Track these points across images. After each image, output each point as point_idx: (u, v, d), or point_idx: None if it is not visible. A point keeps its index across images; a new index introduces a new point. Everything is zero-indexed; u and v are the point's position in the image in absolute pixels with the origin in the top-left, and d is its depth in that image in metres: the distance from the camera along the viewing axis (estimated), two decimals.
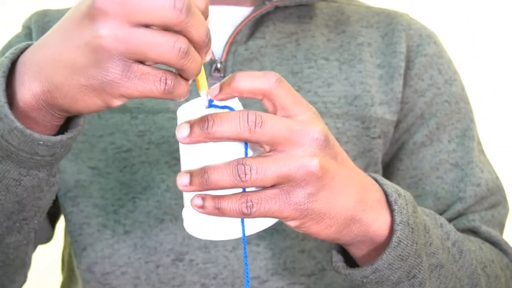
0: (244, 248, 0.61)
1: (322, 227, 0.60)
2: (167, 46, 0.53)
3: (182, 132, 0.57)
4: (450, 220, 0.84)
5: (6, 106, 0.58)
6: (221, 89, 0.59)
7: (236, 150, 0.58)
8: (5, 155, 0.61)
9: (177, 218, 0.79)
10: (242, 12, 0.87)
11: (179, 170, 0.79)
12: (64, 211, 0.85)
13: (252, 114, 0.56)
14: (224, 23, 0.86)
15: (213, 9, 0.87)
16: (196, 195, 0.58)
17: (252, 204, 0.57)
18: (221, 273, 0.78)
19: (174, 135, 0.81)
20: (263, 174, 0.56)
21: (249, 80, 0.58)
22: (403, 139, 0.87)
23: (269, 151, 0.58)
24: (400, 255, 0.65)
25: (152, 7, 0.52)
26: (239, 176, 0.56)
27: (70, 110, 0.58)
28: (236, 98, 0.60)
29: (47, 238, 0.90)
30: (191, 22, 0.53)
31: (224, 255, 0.78)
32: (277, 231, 0.80)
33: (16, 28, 0.93)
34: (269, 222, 0.60)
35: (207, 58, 0.58)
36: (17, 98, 0.59)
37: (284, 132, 0.57)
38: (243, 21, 0.84)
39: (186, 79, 0.57)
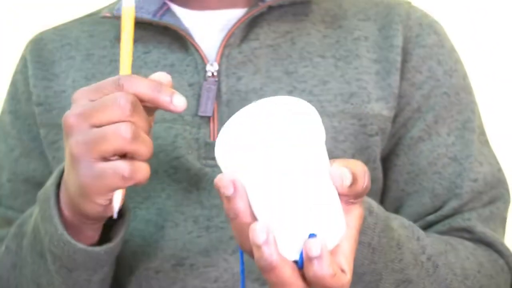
0: (241, 257, 0.63)
1: None
2: (115, 136, 0.61)
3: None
4: (445, 218, 0.84)
5: (65, 234, 0.68)
6: None
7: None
8: (75, 267, 0.71)
9: (178, 225, 0.80)
10: (235, 15, 0.87)
11: (178, 179, 0.80)
12: None
13: None
14: (217, 26, 0.86)
15: (206, 13, 0.87)
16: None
17: None
18: (222, 276, 0.78)
19: (171, 144, 0.81)
20: None
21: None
22: (400, 134, 0.86)
23: None
24: (354, 271, 0.65)
25: (100, 111, 0.62)
26: None
27: (88, 217, 0.68)
28: None
29: None
30: (135, 117, 0.62)
31: (224, 258, 0.79)
32: None
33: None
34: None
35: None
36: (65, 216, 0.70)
37: None
38: (235, 24, 0.84)
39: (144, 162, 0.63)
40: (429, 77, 0.86)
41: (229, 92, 0.82)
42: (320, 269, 0.55)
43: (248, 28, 0.85)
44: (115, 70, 0.86)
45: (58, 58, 0.90)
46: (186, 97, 0.82)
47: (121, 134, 0.61)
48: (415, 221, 0.85)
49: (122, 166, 0.62)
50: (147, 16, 0.84)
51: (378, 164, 0.85)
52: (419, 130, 0.85)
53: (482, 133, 0.89)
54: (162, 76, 0.67)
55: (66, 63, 0.89)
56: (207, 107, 0.81)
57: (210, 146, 0.80)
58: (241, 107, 0.75)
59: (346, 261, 0.58)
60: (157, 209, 0.81)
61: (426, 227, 0.84)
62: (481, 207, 0.84)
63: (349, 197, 0.59)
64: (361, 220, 0.61)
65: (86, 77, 0.87)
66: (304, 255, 0.56)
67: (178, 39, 0.86)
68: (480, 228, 0.82)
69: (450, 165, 0.84)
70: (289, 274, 0.57)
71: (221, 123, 0.80)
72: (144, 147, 0.62)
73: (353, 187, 0.58)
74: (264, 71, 0.83)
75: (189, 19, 0.87)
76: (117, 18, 0.85)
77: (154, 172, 0.81)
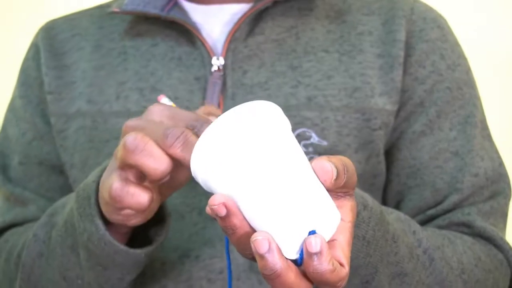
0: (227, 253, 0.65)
1: None
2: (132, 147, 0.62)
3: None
4: (446, 212, 0.85)
5: (107, 234, 0.69)
6: None
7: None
8: (111, 266, 0.72)
9: (184, 217, 0.81)
10: (241, 9, 0.88)
11: None
12: None
13: None
14: (223, 20, 0.87)
15: (213, 7, 0.88)
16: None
17: None
18: (227, 267, 0.80)
19: None
20: None
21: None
22: (402, 128, 0.87)
23: None
24: (350, 265, 0.66)
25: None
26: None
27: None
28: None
29: None
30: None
31: (230, 249, 0.80)
32: None
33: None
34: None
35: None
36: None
37: None
38: (241, 18, 0.85)
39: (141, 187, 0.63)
40: (432, 71, 0.87)
41: (234, 86, 0.83)
42: (320, 265, 0.56)
43: (253, 22, 0.86)
44: (123, 62, 0.88)
45: (68, 49, 0.91)
46: (192, 90, 0.84)
47: (132, 146, 0.61)
48: (416, 214, 0.86)
49: (114, 183, 0.63)
50: (154, 11, 0.86)
51: (382, 158, 0.86)
52: (422, 124, 0.86)
53: (485, 127, 0.89)
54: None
55: (76, 54, 0.91)
56: (213, 101, 0.83)
57: None
58: (246, 101, 0.76)
59: (343, 254, 0.59)
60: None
61: (426, 221, 0.85)
62: (482, 202, 0.85)
63: (336, 191, 0.60)
64: (355, 212, 0.61)
65: (95, 68, 0.89)
66: (304, 251, 0.57)
67: (185, 33, 0.87)
68: (480, 222, 0.83)
69: (451, 159, 0.85)
70: (293, 278, 0.57)
71: None
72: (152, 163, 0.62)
73: (337, 181, 0.59)
74: (269, 65, 0.84)
75: (196, 14, 0.88)
76: (126, 13, 0.86)
77: None
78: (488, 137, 0.89)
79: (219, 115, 0.66)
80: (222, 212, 0.57)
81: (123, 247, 0.70)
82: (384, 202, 0.89)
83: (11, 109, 0.95)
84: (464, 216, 0.83)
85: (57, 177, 0.91)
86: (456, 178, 0.84)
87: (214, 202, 0.57)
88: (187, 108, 0.83)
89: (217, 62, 0.84)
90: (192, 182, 0.81)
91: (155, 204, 0.68)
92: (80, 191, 0.72)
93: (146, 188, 0.64)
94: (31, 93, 0.92)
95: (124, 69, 0.87)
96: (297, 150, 0.58)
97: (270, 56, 0.85)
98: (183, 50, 0.86)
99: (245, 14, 0.85)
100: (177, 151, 0.61)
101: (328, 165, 0.57)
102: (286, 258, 0.58)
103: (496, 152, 0.89)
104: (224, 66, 0.84)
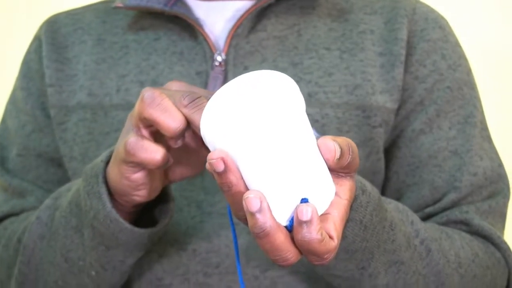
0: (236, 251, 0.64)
1: None
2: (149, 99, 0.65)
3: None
4: (444, 210, 0.85)
5: (114, 211, 0.70)
6: None
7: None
8: (114, 245, 0.73)
9: (182, 210, 0.82)
10: (244, 6, 0.88)
11: None
12: None
13: None
14: (226, 16, 0.88)
15: (216, 3, 0.88)
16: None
17: None
18: (223, 262, 0.80)
19: None
20: None
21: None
22: (402, 126, 0.87)
23: None
24: (345, 248, 0.68)
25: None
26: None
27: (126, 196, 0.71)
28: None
29: None
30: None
31: (226, 244, 0.80)
32: None
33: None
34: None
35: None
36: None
37: None
38: (243, 14, 0.85)
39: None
40: (433, 71, 0.87)
41: None
42: (309, 233, 0.57)
43: (256, 19, 0.87)
44: (125, 55, 0.88)
45: (70, 43, 0.92)
46: (194, 85, 0.84)
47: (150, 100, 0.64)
48: (414, 212, 0.86)
49: (130, 138, 0.65)
50: (158, 6, 0.86)
51: (381, 155, 0.86)
52: (421, 123, 0.86)
53: (484, 128, 0.89)
54: None
55: (78, 48, 0.91)
56: None
57: None
58: None
59: (334, 228, 0.60)
60: None
61: (424, 219, 0.85)
62: (480, 201, 0.85)
63: (338, 171, 0.61)
64: (353, 192, 0.62)
65: (96, 61, 0.89)
66: (294, 218, 0.57)
67: (188, 28, 0.87)
68: (478, 221, 0.83)
69: (450, 158, 0.85)
70: (282, 240, 0.58)
71: None
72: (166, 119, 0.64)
73: (341, 161, 0.60)
74: (270, 62, 0.85)
75: (199, 9, 0.89)
76: (129, 8, 0.87)
77: None
78: (487, 138, 0.89)
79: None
80: (220, 166, 0.57)
81: (128, 225, 0.71)
82: None
83: (12, 101, 0.95)
84: (462, 214, 0.83)
85: (56, 170, 0.91)
86: (455, 177, 0.85)
87: (213, 156, 0.57)
88: None
89: (219, 57, 0.84)
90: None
91: (158, 183, 0.70)
92: (88, 170, 0.73)
93: (160, 145, 0.65)
94: (32, 86, 0.92)
95: (125, 63, 0.88)
96: (303, 122, 0.59)
97: (272, 53, 0.85)
98: (185, 44, 0.87)
99: (247, 10, 0.85)
100: (190, 111, 0.64)
101: (331, 144, 0.59)
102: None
103: (496, 153, 0.89)
104: (226, 61, 0.84)
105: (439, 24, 0.90)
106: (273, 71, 0.59)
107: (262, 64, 0.84)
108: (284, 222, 0.59)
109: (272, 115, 0.57)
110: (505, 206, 0.87)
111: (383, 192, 0.89)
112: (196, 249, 0.81)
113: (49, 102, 0.90)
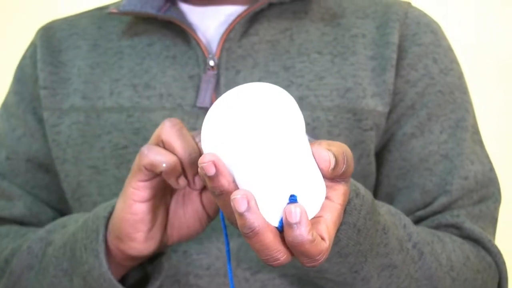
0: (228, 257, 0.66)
1: None
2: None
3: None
4: (435, 213, 0.85)
5: (109, 273, 0.71)
6: None
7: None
8: None
9: None
10: (237, 10, 0.89)
11: None
12: (74, 213, 0.89)
13: None
14: (219, 21, 0.88)
15: (209, 9, 0.89)
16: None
17: None
18: (214, 264, 0.80)
19: None
20: None
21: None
22: (393, 130, 0.87)
23: None
24: (338, 252, 0.68)
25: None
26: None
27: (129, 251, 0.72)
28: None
29: None
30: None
31: (217, 247, 0.80)
32: None
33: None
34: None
35: None
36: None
37: None
38: (236, 19, 0.86)
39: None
40: (424, 75, 0.88)
41: (227, 85, 0.84)
42: (299, 234, 0.56)
43: (248, 23, 0.87)
44: (119, 60, 0.89)
45: (65, 47, 0.93)
46: (186, 88, 0.85)
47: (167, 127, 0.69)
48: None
49: (147, 145, 0.68)
50: (151, 11, 0.87)
51: (372, 159, 0.86)
52: (412, 126, 0.86)
53: (476, 132, 0.89)
54: None
55: (73, 52, 0.92)
56: (205, 99, 0.83)
57: None
58: None
59: (327, 230, 0.59)
60: None
61: (415, 223, 0.85)
62: (471, 205, 0.85)
63: (332, 178, 0.61)
64: (346, 197, 0.62)
65: (91, 66, 0.90)
66: (283, 220, 0.57)
67: (181, 33, 0.88)
68: (469, 225, 0.83)
69: (441, 162, 0.85)
70: (272, 239, 0.58)
71: None
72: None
73: (335, 170, 0.60)
74: (262, 66, 0.85)
75: (192, 14, 0.90)
76: (123, 14, 0.88)
77: None
78: (479, 142, 0.89)
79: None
80: (211, 170, 0.57)
81: (121, 287, 0.73)
82: None
83: (4, 105, 0.96)
84: (453, 218, 0.83)
85: (44, 175, 0.92)
86: (446, 180, 0.85)
87: (204, 159, 0.58)
88: (179, 105, 0.84)
89: (211, 61, 0.85)
90: None
91: (157, 233, 0.71)
92: (89, 222, 0.74)
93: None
94: (25, 90, 0.93)
95: (119, 67, 0.88)
96: (295, 127, 0.59)
97: (264, 57, 0.86)
98: (179, 49, 0.87)
99: (240, 15, 0.86)
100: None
101: (326, 154, 0.59)
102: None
103: (487, 157, 0.89)
104: (218, 65, 0.85)
105: (431, 28, 0.90)
106: (271, 84, 0.60)
107: (254, 68, 0.85)
108: (275, 223, 0.59)
109: (265, 121, 0.58)
110: (496, 210, 0.87)
111: (374, 196, 0.89)
112: (187, 250, 0.81)
113: (42, 105, 0.90)
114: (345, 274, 0.71)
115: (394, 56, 0.86)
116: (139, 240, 0.70)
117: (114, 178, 0.85)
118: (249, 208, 0.57)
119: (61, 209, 0.93)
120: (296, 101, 0.83)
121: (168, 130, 0.67)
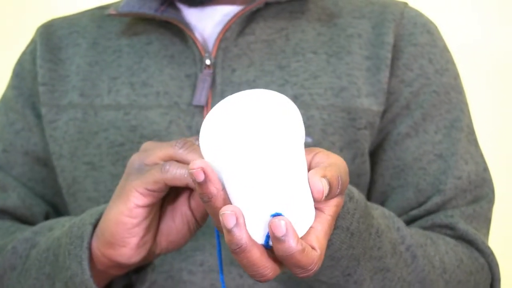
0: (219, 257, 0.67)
1: None
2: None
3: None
4: (429, 213, 0.85)
5: (91, 281, 0.71)
6: None
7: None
8: None
9: None
10: (233, 10, 0.90)
11: None
12: (68, 209, 0.89)
13: None
14: (215, 21, 0.89)
15: (206, 8, 0.90)
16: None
17: None
18: (208, 260, 0.81)
19: (165, 130, 0.84)
20: None
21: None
22: (387, 130, 0.88)
23: None
24: (331, 255, 0.68)
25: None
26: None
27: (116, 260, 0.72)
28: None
29: None
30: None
31: (211, 243, 0.81)
32: None
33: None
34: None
35: None
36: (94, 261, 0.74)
37: None
38: (232, 18, 0.87)
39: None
40: (420, 75, 0.88)
41: (223, 83, 0.85)
42: (288, 246, 0.57)
43: (244, 23, 0.88)
44: (117, 59, 0.90)
45: (65, 45, 0.94)
46: (183, 87, 0.86)
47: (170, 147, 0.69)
48: (399, 215, 0.86)
49: (165, 163, 0.67)
50: (149, 12, 0.88)
51: (366, 158, 0.86)
52: (407, 126, 0.87)
53: (471, 132, 0.89)
54: None
55: (72, 50, 0.93)
56: (201, 97, 0.84)
57: None
58: None
59: (317, 240, 0.59)
60: None
61: (409, 222, 0.85)
62: (465, 205, 0.85)
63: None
64: (338, 208, 0.62)
65: (89, 63, 0.91)
66: (270, 234, 0.57)
67: (179, 33, 0.89)
68: (462, 225, 0.83)
69: (435, 162, 0.86)
70: (258, 255, 0.58)
71: None
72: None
73: (328, 197, 0.60)
74: (258, 65, 0.86)
75: (190, 14, 0.91)
76: (121, 15, 0.89)
77: None
78: (474, 142, 0.89)
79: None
80: (200, 177, 0.58)
81: None
82: None
83: (3, 99, 0.97)
84: (447, 218, 0.83)
85: (41, 169, 0.93)
86: (439, 180, 0.85)
87: (193, 166, 0.58)
88: (176, 103, 0.85)
89: (208, 60, 0.86)
90: None
91: (148, 240, 0.71)
92: (74, 228, 0.73)
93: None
94: (24, 85, 0.94)
95: (117, 65, 0.89)
96: (294, 146, 0.58)
97: (259, 56, 0.87)
98: (176, 48, 0.88)
99: (236, 14, 0.87)
100: (184, 152, 0.68)
101: (319, 184, 0.58)
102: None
103: (482, 157, 0.89)
104: (214, 64, 0.86)
105: (427, 28, 0.91)
106: (276, 92, 0.60)
107: (250, 67, 0.86)
108: (260, 240, 0.59)
109: (262, 132, 0.58)
110: (489, 210, 0.87)
111: (368, 195, 0.89)
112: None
113: (41, 101, 0.91)
114: (338, 277, 0.71)
115: (389, 56, 0.87)
116: (131, 246, 0.70)
117: (109, 175, 0.85)
118: (237, 224, 0.57)
119: (57, 204, 0.94)
120: (290, 99, 0.84)
121: (180, 151, 0.68)
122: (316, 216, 0.61)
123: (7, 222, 0.90)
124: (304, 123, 0.83)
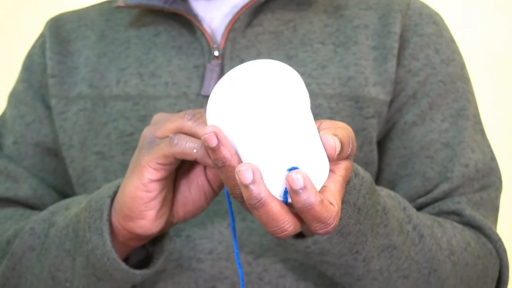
0: (235, 240, 0.67)
1: None
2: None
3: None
4: (436, 200, 0.85)
5: (113, 252, 0.72)
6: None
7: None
8: (106, 278, 0.75)
9: None
10: (242, 2, 0.90)
11: None
12: None
13: None
14: (224, 12, 0.90)
15: (214, 0, 0.91)
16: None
17: None
18: (216, 248, 0.81)
19: None
20: None
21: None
22: (394, 119, 0.88)
23: None
24: (339, 231, 0.68)
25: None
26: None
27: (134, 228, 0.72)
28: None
29: None
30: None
31: (219, 230, 0.82)
32: None
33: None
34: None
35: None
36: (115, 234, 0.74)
37: None
38: (240, 10, 0.88)
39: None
40: (426, 64, 0.89)
41: None
42: (307, 197, 0.57)
43: (252, 14, 0.89)
44: (126, 50, 0.91)
45: (74, 38, 0.95)
46: (191, 77, 0.86)
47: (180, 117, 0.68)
48: None
49: (173, 137, 0.67)
50: (158, 3, 0.89)
51: (374, 146, 0.87)
52: (414, 115, 0.87)
53: (478, 122, 0.90)
54: None
55: (81, 43, 0.94)
56: (210, 87, 0.85)
57: None
58: None
59: (333, 196, 0.60)
60: None
61: (417, 210, 0.86)
62: (472, 192, 0.85)
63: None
64: (348, 172, 0.62)
65: (98, 55, 0.92)
66: (288, 189, 0.57)
67: (187, 24, 0.90)
68: (469, 211, 0.83)
69: (442, 150, 0.86)
70: (279, 209, 0.58)
71: None
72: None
73: (341, 155, 0.61)
74: (266, 55, 0.87)
75: (198, 6, 0.91)
76: (130, 7, 0.89)
77: None
78: (480, 131, 0.90)
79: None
80: (213, 141, 0.58)
81: (124, 266, 0.73)
82: None
83: (13, 92, 0.98)
84: (454, 204, 0.84)
85: (51, 160, 0.94)
86: (446, 168, 0.85)
87: (206, 131, 0.59)
88: (184, 93, 0.86)
89: (216, 51, 0.87)
90: None
91: (165, 211, 0.72)
92: (92, 203, 0.74)
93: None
94: (33, 78, 0.95)
95: (126, 56, 0.90)
96: (301, 103, 0.59)
97: (267, 47, 0.87)
98: (184, 39, 0.89)
99: (244, 6, 0.88)
100: (193, 125, 0.67)
101: (332, 141, 0.59)
102: None
103: (488, 146, 0.90)
104: (223, 55, 0.87)
105: (433, 19, 0.91)
106: (278, 61, 0.61)
107: (258, 57, 0.87)
108: (279, 196, 0.59)
109: (269, 95, 0.58)
110: (497, 198, 0.88)
111: (376, 184, 0.90)
112: (190, 235, 0.82)
113: (50, 92, 0.92)
114: (347, 255, 0.71)
115: (396, 45, 0.87)
116: (149, 218, 0.71)
117: (119, 164, 0.86)
118: (254, 179, 0.57)
119: (67, 194, 0.95)
120: None
121: (189, 123, 0.68)
122: (328, 177, 0.61)
123: (20, 210, 0.90)
124: (312, 112, 0.84)
